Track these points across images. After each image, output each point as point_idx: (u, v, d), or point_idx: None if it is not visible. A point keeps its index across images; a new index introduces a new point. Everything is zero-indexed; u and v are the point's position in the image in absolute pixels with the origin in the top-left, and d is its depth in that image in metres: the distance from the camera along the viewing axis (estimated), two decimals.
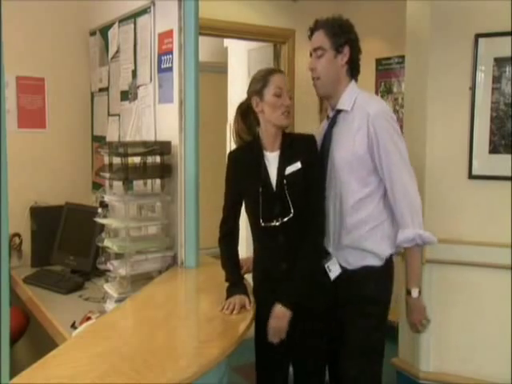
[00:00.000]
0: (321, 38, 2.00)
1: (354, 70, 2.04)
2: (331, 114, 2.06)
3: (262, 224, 1.92)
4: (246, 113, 2.03)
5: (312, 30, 2.05)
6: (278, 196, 1.92)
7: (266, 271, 1.99)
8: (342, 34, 1.98)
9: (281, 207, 1.91)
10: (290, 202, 1.90)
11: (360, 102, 1.97)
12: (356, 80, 2.06)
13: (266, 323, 1.90)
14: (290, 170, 1.94)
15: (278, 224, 1.91)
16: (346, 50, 1.98)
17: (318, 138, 2.08)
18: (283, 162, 1.95)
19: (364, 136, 1.91)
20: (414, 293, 1.97)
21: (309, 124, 3.74)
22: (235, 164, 2.02)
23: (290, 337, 1.92)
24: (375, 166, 1.93)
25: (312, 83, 2.06)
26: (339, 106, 2.00)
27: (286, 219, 1.90)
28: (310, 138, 2.00)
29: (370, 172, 1.94)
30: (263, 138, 1.99)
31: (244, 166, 1.99)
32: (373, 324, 1.97)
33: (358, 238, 1.96)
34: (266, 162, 1.97)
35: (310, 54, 2.06)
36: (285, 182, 1.92)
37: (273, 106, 1.93)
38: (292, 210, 1.90)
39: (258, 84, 1.95)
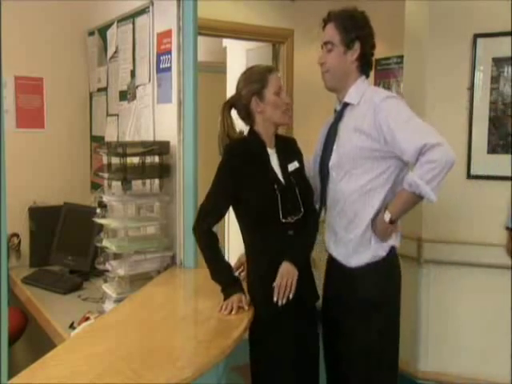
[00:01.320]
0: (331, 31, 1.97)
1: (365, 66, 2.00)
2: (338, 108, 2.04)
3: (283, 220, 1.90)
4: (230, 109, 2.02)
5: (325, 22, 2.01)
6: (290, 193, 1.93)
7: (274, 267, 1.92)
8: (353, 30, 1.94)
9: (291, 204, 1.92)
10: (299, 199, 1.94)
11: (367, 95, 1.95)
12: (367, 76, 2.03)
13: (275, 323, 1.91)
14: (291, 167, 1.97)
15: (292, 221, 1.92)
16: (357, 45, 1.95)
17: (323, 131, 2.08)
18: (283, 160, 1.97)
19: (371, 124, 1.87)
20: (386, 216, 1.86)
21: (308, 123, 3.75)
22: (239, 157, 1.93)
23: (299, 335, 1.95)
24: (383, 156, 1.89)
25: (321, 77, 2.03)
26: (346, 99, 1.99)
27: (299, 216, 1.93)
28: (295, 140, 2.09)
29: (378, 165, 1.90)
30: (262, 136, 1.98)
31: (250, 160, 1.93)
32: (376, 329, 1.92)
33: (361, 233, 1.93)
34: (270, 158, 1.97)
35: (322, 47, 2.02)
36: (292, 179, 1.95)
37: (275, 105, 1.93)
38: (302, 208, 1.94)
39: (256, 84, 1.93)
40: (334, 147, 1.98)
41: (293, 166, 1.98)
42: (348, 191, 1.94)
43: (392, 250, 1.97)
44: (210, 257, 1.95)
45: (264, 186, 1.92)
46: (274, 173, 1.94)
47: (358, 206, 1.93)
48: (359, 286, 1.93)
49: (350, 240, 1.96)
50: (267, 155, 1.96)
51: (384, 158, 1.90)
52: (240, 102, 1.98)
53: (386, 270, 1.97)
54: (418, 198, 1.83)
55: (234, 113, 2.04)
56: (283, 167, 1.96)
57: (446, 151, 1.78)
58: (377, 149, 1.89)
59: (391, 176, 1.93)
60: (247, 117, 1.99)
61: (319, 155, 2.06)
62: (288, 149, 2.02)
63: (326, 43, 1.98)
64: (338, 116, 2.01)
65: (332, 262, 2.05)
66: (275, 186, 1.91)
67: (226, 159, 1.94)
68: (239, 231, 2.04)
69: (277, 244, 1.93)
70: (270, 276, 1.91)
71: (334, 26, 1.96)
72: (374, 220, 1.91)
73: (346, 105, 1.99)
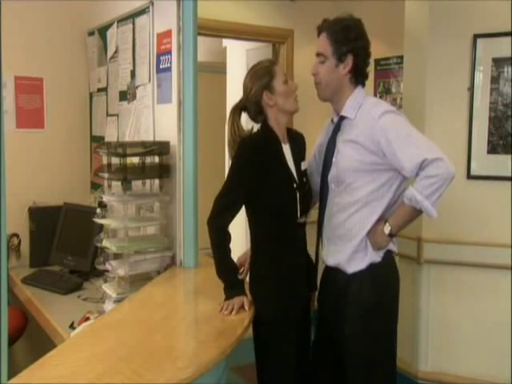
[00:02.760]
0: (323, 43, 1.93)
1: (359, 78, 1.96)
2: (335, 120, 2.02)
3: (301, 220, 1.93)
4: (240, 113, 2.02)
5: (319, 30, 1.98)
6: (304, 192, 1.95)
7: (281, 267, 1.95)
8: (345, 43, 1.90)
9: (305, 203, 1.95)
10: (308, 199, 1.98)
11: (364, 109, 1.91)
12: (363, 85, 1.99)
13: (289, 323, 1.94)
14: (303, 166, 2.01)
15: (305, 221, 1.96)
16: (349, 59, 1.91)
17: (323, 141, 2.07)
18: (297, 158, 1.99)
19: (369, 139, 1.85)
20: (386, 229, 1.86)
21: (307, 124, 3.74)
22: (254, 151, 1.90)
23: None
24: (382, 169, 1.87)
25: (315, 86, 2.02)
26: (343, 113, 1.96)
27: (308, 216, 1.96)
28: (303, 137, 2.10)
29: (378, 177, 1.88)
30: (276, 131, 1.97)
31: (265, 155, 1.91)
32: (373, 333, 1.91)
33: (359, 241, 1.92)
34: (286, 155, 1.97)
35: (316, 55, 2.00)
36: (304, 179, 1.98)
37: (285, 93, 1.94)
38: (309, 207, 1.99)
39: (265, 78, 1.93)
40: (333, 160, 1.96)
41: (304, 165, 2.01)
42: (348, 204, 1.92)
43: (389, 254, 1.96)
44: (220, 254, 1.94)
45: (283, 184, 1.92)
46: (291, 171, 1.95)
47: (358, 216, 1.91)
48: (356, 292, 1.92)
49: (347, 248, 1.94)
50: (282, 150, 1.96)
51: (384, 170, 1.88)
52: (250, 102, 1.97)
53: (383, 275, 1.95)
54: (417, 212, 1.84)
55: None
56: (297, 166, 1.98)
57: (446, 166, 1.77)
58: (376, 162, 1.87)
59: (392, 187, 1.91)
60: (259, 115, 1.98)
61: (320, 167, 2.05)
62: (297, 146, 2.04)
63: (318, 54, 1.96)
64: (336, 128, 1.99)
65: (328, 269, 2.04)
66: (294, 185, 1.93)
67: (241, 154, 1.92)
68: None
69: (288, 243, 1.94)
70: (277, 275, 1.93)
71: (326, 38, 1.93)
72: (371, 230, 1.91)
73: (342, 117, 1.97)
